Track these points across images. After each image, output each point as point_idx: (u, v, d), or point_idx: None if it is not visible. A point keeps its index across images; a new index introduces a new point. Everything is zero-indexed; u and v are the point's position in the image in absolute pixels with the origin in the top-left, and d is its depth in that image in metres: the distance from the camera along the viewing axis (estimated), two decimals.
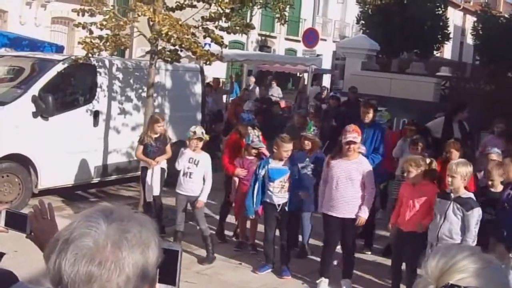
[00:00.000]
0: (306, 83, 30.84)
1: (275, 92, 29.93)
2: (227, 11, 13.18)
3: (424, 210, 8.88)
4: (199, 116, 16.61)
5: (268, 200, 9.97)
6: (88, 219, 1.81)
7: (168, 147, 12.21)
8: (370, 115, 11.61)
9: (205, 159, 10.58)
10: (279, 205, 9.89)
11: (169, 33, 12.11)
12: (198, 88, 16.72)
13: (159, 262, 1.94)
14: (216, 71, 28.16)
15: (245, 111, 14.70)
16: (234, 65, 35.09)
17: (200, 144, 10.52)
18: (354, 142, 9.16)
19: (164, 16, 12.16)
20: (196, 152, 10.49)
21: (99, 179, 14.27)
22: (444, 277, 1.74)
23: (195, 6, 13.25)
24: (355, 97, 19.06)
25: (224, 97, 25.29)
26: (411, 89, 20.55)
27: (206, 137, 10.90)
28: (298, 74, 40.47)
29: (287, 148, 9.81)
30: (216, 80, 24.00)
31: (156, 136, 11.99)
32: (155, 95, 14.34)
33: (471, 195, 8.32)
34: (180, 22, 12.32)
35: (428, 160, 9.38)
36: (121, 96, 14.53)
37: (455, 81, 24.89)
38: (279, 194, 9.89)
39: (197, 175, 10.48)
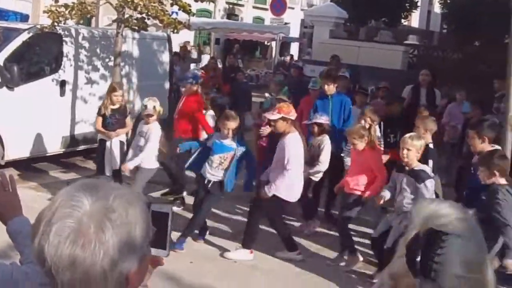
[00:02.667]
0: (274, 51, 30.80)
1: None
2: None
3: (368, 174, 9.26)
4: (166, 85, 16.51)
5: (201, 173, 9.91)
6: (71, 198, 1.75)
7: (128, 119, 11.87)
8: (331, 86, 11.60)
9: (152, 129, 10.40)
10: (209, 181, 9.79)
11: (136, 1, 11.98)
12: (165, 57, 16.60)
13: (150, 237, 1.90)
14: (184, 39, 27.97)
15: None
16: (202, 34, 34.89)
17: (152, 119, 10.39)
18: (275, 120, 9.26)
19: None
20: (147, 124, 10.42)
21: (66, 149, 14.13)
22: (428, 222, 1.79)
23: None
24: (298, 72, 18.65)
25: (192, 66, 25.14)
26: (379, 57, 20.58)
27: (159, 110, 10.70)
28: (265, 43, 40.37)
29: (229, 126, 9.62)
30: (183, 48, 23.83)
31: (114, 107, 11.66)
32: (122, 64, 14.22)
33: (424, 167, 8.42)
34: None
35: (367, 126, 9.73)
36: (87, 66, 14.37)
37: (422, 49, 24.96)
38: (215, 170, 9.77)
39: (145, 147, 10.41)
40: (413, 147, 8.25)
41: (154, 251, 2.16)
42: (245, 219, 10.65)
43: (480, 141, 8.63)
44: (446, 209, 1.83)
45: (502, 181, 7.51)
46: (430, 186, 8.21)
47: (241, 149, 9.70)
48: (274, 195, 9.20)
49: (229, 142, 9.69)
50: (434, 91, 14.72)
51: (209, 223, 10.57)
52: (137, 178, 10.50)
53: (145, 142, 10.34)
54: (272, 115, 9.29)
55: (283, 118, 9.21)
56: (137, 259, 1.80)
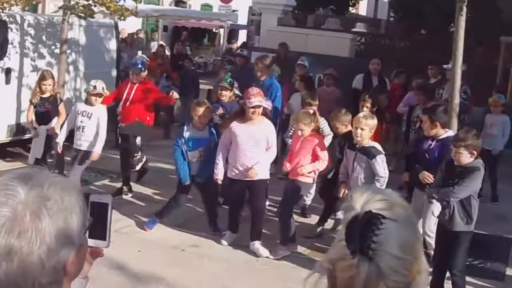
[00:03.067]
0: (221, 38, 30.73)
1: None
2: None
3: (312, 159, 9.38)
4: (114, 72, 16.37)
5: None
6: (5, 187, 1.72)
7: (61, 107, 11.64)
8: (263, 72, 11.97)
9: (99, 111, 10.38)
10: (197, 176, 9.94)
11: None
12: (112, 44, 16.45)
13: (87, 226, 1.89)
14: (132, 26, 27.72)
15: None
16: (150, 21, 34.63)
17: (100, 99, 10.38)
18: (259, 106, 9.19)
19: None
20: (91, 105, 10.35)
21: (12, 138, 13.93)
22: (367, 205, 1.83)
23: None
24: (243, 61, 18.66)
25: (140, 52, 24.93)
26: (327, 45, 20.61)
27: (106, 92, 10.67)
28: (214, 30, 40.24)
29: (198, 112, 9.76)
30: (131, 35, 23.63)
31: (44, 96, 11.50)
32: (68, 51, 14.06)
33: (374, 144, 8.71)
34: None
35: (311, 111, 9.85)
36: (33, 53, 14.15)
37: (370, 37, 25.13)
38: (195, 164, 9.91)
39: (89, 128, 10.34)
40: (366, 126, 8.50)
41: (93, 242, 2.15)
42: (193, 206, 10.72)
43: (433, 125, 8.82)
44: (384, 195, 1.87)
45: (443, 132, 7.75)
46: (381, 161, 8.50)
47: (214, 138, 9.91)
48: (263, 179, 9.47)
49: (205, 133, 9.87)
50: (385, 79, 14.89)
51: (155, 209, 10.59)
52: (81, 161, 10.40)
53: (96, 127, 10.28)
54: (263, 102, 9.30)
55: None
56: (75, 248, 1.78)
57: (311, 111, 9.90)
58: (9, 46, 13.59)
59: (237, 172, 9.38)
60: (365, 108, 10.78)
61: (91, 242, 2.11)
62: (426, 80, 14.67)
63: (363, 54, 22.17)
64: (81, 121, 10.34)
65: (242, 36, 41.13)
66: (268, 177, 9.65)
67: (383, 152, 8.69)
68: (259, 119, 9.30)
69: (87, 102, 10.47)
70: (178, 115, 16.90)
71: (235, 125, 9.33)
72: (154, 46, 26.30)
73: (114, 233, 9.31)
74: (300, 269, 8.66)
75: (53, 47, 14.33)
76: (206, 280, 8.41)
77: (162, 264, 8.72)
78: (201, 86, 18.08)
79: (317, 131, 9.68)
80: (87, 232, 1.98)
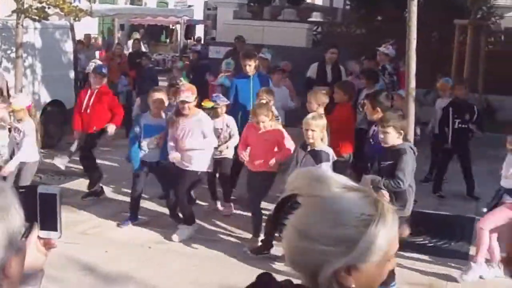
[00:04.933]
0: (179, 34, 30.67)
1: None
2: None
3: (271, 152, 9.42)
4: (71, 74, 16.27)
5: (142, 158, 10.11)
6: None
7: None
8: (252, 66, 11.64)
9: (26, 125, 10.08)
10: (150, 163, 10.11)
11: None
12: (69, 46, 16.34)
13: (25, 231, 1.90)
14: (88, 27, 27.56)
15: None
16: (105, 20, 34.44)
17: (25, 115, 10.08)
18: (188, 102, 9.40)
19: None
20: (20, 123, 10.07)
21: None
22: (292, 188, 1.89)
23: None
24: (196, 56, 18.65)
25: (97, 53, 24.83)
26: (283, 36, 20.69)
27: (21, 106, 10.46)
28: (171, 26, 40.13)
29: (156, 96, 10.02)
30: (87, 36, 23.50)
31: None
32: (25, 55, 13.97)
33: (327, 149, 8.55)
34: None
35: (264, 101, 10.01)
36: None
37: (327, 26, 25.20)
38: (153, 151, 10.05)
39: (23, 142, 10.06)
40: (317, 127, 8.39)
41: (45, 234, 2.17)
42: (158, 205, 10.77)
43: (374, 111, 9.00)
44: (318, 179, 1.89)
45: (400, 140, 7.83)
46: (326, 168, 8.28)
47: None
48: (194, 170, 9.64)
49: (161, 120, 10.02)
50: (340, 68, 14.95)
51: (120, 209, 10.60)
52: (26, 175, 10.29)
53: (21, 138, 10.14)
54: (190, 97, 9.48)
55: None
56: (13, 250, 1.79)
57: (264, 101, 10.00)
58: None
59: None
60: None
61: (43, 233, 2.13)
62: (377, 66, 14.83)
63: (320, 43, 22.26)
64: (15, 138, 10.11)
65: (200, 31, 41.08)
66: (203, 170, 9.77)
67: (333, 159, 8.64)
68: (193, 113, 9.54)
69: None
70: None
71: (175, 120, 9.65)
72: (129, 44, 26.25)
73: (80, 234, 9.37)
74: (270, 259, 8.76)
75: (8, 52, 14.24)
76: (176, 277, 8.42)
77: (130, 263, 8.72)
78: (160, 83, 18.04)
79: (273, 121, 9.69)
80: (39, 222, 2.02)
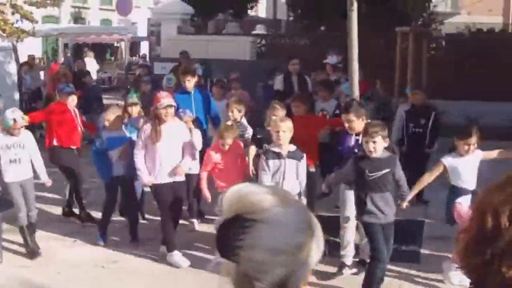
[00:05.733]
0: (124, 52, 30.60)
1: (88, 64, 29.52)
2: None
3: (239, 166, 9.56)
4: (16, 95, 16.16)
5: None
6: None
7: None
8: (192, 82, 11.65)
9: (27, 138, 9.97)
10: (117, 177, 10.12)
11: None
12: (12, 67, 16.20)
13: None
14: (31, 47, 27.34)
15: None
16: (49, 40, 34.20)
17: (22, 129, 9.97)
18: (171, 106, 9.31)
19: None
20: (16, 136, 9.81)
21: None
22: (234, 208, 1.85)
23: None
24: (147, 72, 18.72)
25: (42, 73, 24.64)
26: (228, 49, 20.78)
27: (26, 118, 10.42)
28: (115, 44, 39.98)
29: (108, 117, 10.07)
30: (31, 56, 23.30)
31: None
32: None
33: (294, 146, 8.63)
34: None
35: (230, 123, 9.96)
36: None
37: (270, 38, 25.40)
38: (117, 163, 10.05)
39: (25, 157, 9.98)
40: (287, 129, 8.40)
41: None
42: (111, 221, 10.70)
43: (359, 120, 8.87)
44: (256, 196, 1.87)
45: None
46: (305, 162, 8.58)
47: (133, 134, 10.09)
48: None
49: (122, 132, 10.09)
50: (305, 78, 15.11)
51: (72, 229, 10.54)
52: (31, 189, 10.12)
53: (27, 153, 9.97)
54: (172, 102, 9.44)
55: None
56: None
57: (229, 123, 9.96)
58: None
59: (163, 175, 9.43)
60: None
61: None
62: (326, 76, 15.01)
63: (265, 55, 22.44)
64: (16, 154, 9.75)
65: (144, 47, 40.99)
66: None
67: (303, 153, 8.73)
68: (171, 120, 9.39)
69: (11, 134, 9.79)
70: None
71: (148, 128, 9.34)
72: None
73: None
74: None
75: None
76: None
77: (83, 284, 8.67)
78: (106, 101, 18.01)
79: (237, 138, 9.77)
80: None
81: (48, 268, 9.09)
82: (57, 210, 11.69)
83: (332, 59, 14.69)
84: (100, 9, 46.12)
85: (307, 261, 1.90)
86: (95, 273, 9.07)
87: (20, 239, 9.86)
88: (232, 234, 1.81)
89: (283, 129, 8.37)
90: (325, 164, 10.63)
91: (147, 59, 32.90)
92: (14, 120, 9.62)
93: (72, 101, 11.44)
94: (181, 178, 9.52)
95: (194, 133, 9.86)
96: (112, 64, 39.97)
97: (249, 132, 10.72)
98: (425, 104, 12.58)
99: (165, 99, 9.30)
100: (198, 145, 9.84)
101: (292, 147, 8.58)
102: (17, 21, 14.80)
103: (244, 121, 10.74)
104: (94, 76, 28.22)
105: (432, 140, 12.16)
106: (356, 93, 9.87)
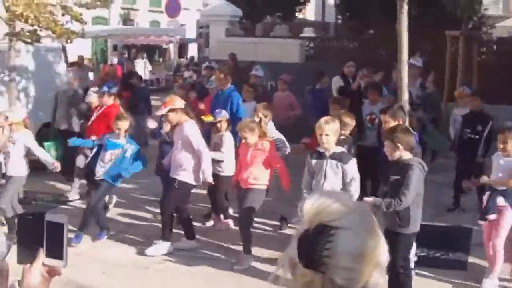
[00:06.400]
0: (172, 53, 30.73)
1: (140, 65, 29.73)
2: None
3: (264, 166, 9.46)
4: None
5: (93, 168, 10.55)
6: None
7: None
8: (223, 82, 11.96)
9: (23, 136, 10.43)
10: (98, 177, 10.40)
11: (24, 13, 11.75)
12: (61, 68, 16.32)
13: (6, 252, 1.90)
14: (81, 48, 27.58)
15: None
16: (98, 41, 34.48)
17: (20, 126, 10.42)
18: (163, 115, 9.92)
19: None
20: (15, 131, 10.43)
21: None
22: (317, 218, 1.84)
23: None
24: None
25: (91, 74, 24.83)
26: (276, 52, 20.75)
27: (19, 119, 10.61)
28: (164, 46, 40.18)
29: (120, 126, 10.32)
30: (80, 57, 23.49)
31: None
32: (18, 78, 13.95)
33: (342, 148, 8.57)
34: (36, 1, 11.96)
35: (257, 119, 9.95)
36: None
37: (319, 41, 25.26)
38: (105, 166, 10.34)
39: (14, 153, 10.34)
40: (330, 131, 8.31)
41: (50, 261, 2.18)
42: (154, 224, 10.76)
43: (395, 123, 8.82)
44: (335, 204, 1.87)
45: (407, 155, 7.65)
46: (354, 163, 8.39)
47: (133, 147, 10.39)
48: (182, 181, 9.71)
49: (120, 140, 10.36)
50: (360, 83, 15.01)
51: (119, 228, 10.57)
52: (9, 188, 10.41)
53: (21, 152, 10.33)
54: (160, 111, 9.82)
55: (170, 110, 9.63)
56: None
57: (257, 119, 10.01)
58: None
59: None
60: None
61: (48, 261, 2.16)
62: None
63: (313, 58, 22.32)
64: (7, 147, 10.38)
65: (193, 49, 41.15)
66: (191, 182, 9.81)
67: (353, 156, 8.63)
68: (179, 124, 9.73)
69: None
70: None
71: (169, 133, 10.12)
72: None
73: (77, 255, 9.31)
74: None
75: (2, 75, 14.19)
76: None
77: (127, 284, 8.69)
78: (154, 103, 18.04)
79: (263, 137, 9.64)
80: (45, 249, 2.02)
81: (92, 268, 9.11)
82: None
83: (419, 61, 14.39)
84: (149, 10, 46.44)
85: (380, 262, 1.90)
86: (140, 274, 9.08)
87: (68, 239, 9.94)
88: (317, 243, 1.81)
89: (326, 132, 8.29)
90: (372, 166, 10.58)
91: (195, 61, 32.97)
92: (6, 118, 10.40)
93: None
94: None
95: (225, 136, 10.39)
96: (160, 65, 40.18)
97: (280, 138, 10.79)
98: (483, 111, 12.29)
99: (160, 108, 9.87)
100: (228, 148, 10.24)
101: (339, 149, 8.49)
102: (67, 22, 14.85)
103: (270, 126, 10.71)
104: (146, 77, 28.53)
105: (487, 149, 11.84)
106: (405, 96, 9.73)
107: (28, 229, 2.22)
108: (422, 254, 9.69)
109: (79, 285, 8.38)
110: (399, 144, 7.52)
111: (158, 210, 10.72)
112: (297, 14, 40.94)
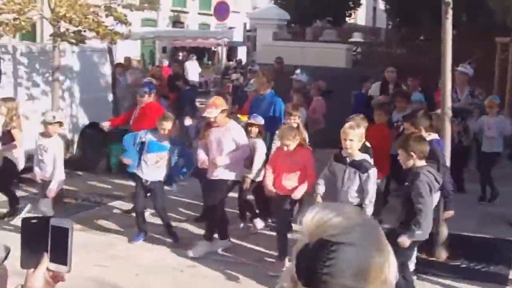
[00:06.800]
0: (220, 56, 30.82)
1: (190, 67, 29.83)
2: None
3: (301, 173, 9.20)
4: (110, 96, 16.30)
5: (137, 173, 10.25)
6: None
7: (15, 132, 11.40)
8: (265, 85, 11.86)
9: (55, 145, 10.35)
10: (146, 180, 10.17)
11: (67, 15, 11.80)
12: (107, 69, 16.40)
13: (3, 257, 1.86)
14: (130, 50, 27.79)
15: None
16: (146, 43, 34.69)
17: (59, 129, 10.47)
18: (209, 117, 9.63)
19: None
20: (46, 137, 10.32)
21: None
22: (318, 232, 1.73)
23: None
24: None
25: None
26: (323, 56, 20.68)
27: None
28: (213, 48, 40.32)
29: (165, 126, 10.03)
30: (127, 58, 23.63)
31: None
32: (62, 78, 14.06)
33: (366, 156, 8.43)
34: (79, 2, 12.01)
35: (295, 125, 9.76)
36: (27, 82, 14.14)
37: (366, 46, 25.15)
38: (151, 168, 10.12)
39: (48, 159, 10.30)
40: (355, 137, 8.20)
41: (54, 267, 2.18)
42: (192, 226, 10.71)
43: (416, 130, 8.74)
44: (337, 217, 1.76)
45: (420, 163, 7.54)
46: (373, 175, 8.22)
47: (177, 148, 10.31)
48: (227, 180, 9.72)
49: (165, 142, 10.13)
50: (401, 86, 14.86)
51: (155, 231, 10.55)
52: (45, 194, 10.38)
53: (53, 161, 10.27)
54: (211, 112, 9.57)
55: (222, 111, 9.61)
56: None
57: (295, 125, 9.85)
58: (2, 76, 13.57)
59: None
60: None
61: (52, 266, 2.17)
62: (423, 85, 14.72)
63: (360, 63, 22.21)
64: (40, 155, 10.35)
65: (242, 53, 41.23)
66: (232, 178, 9.79)
67: (373, 167, 8.47)
68: (223, 123, 9.67)
69: (45, 133, 10.42)
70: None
71: (207, 131, 9.85)
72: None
73: (110, 257, 9.31)
74: None
75: (47, 75, 14.30)
76: None
77: (161, 287, 8.65)
78: (201, 105, 18.09)
79: (303, 144, 9.49)
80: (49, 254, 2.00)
81: (126, 270, 9.09)
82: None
83: (469, 70, 14.13)
84: (199, 13, 46.63)
85: (388, 280, 1.78)
86: (174, 277, 9.04)
87: (100, 241, 9.98)
88: (317, 260, 1.70)
89: (350, 137, 8.18)
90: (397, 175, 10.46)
91: (243, 64, 32.99)
92: (53, 117, 10.33)
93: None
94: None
95: (258, 143, 10.31)
96: (209, 68, 40.32)
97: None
98: None
99: (206, 109, 9.78)
100: (260, 154, 10.19)
101: (361, 156, 8.35)
102: (116, 24, 14.87)
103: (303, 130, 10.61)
104: (196, 79, 28.67)
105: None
106: (449, 103, 9.52)
107: (33, 233, 2.20)
108: (463, 265, 9.52)
109: (112, 286, 8.36)
110: (412, 153, 7.50)
111: (192, 213, 10.76)
112: (347, 19, 40.81)
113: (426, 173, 7.45)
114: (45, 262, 2.16)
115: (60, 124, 10.55)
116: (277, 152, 9.69)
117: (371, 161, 8.54)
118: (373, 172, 8.23)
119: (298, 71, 15.74)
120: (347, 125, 8.39)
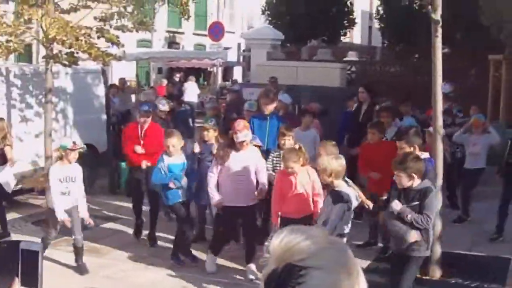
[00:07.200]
0: (216, 76, 30.88)
1: (189, 88, 29.93)
2: (122, 9, 12.93)
3: (310, 193, 9.10)
4: (104, 117, 16.30)
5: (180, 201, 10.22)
6: None
7: (7, 150, 11.58)
8: (269, 107, 11.57)
9: (78, 170, 9.98)
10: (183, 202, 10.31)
11: (57, 37, 11.77)
12: (100, 90, 16.39)
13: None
14: (124, 70, 27.79)
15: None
16: (141, 64, 34.66)
17: (77, 155, 9.92)
18: (245, 140, 9.55)
19: (53, 19, 11.81)
20: (67, 166, 9.80)
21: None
22: (285, 256, 1.70)
23: (89, 7, 12.92)
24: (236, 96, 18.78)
25: (133, 96, 24.93)
26: (317, 75, 20.66)
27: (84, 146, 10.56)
28: (209, 69, 40.36)
29: (167, 143, 10.00)
30: (122, 80, 23.63)
31: None
32: (56, 100, 14.03)
33: (347, 190, 8.18)
34: (71, 24, 11.99)
35: (297, 146, 9.48)
36: (20, 103, 14.13)
37: (361, 65, 25.20)
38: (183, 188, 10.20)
39: (76, 190, 9.89)
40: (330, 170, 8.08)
41: None
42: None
43: (411, 149, 8.71)
44: (305, 241, 1.72)
45: (418, 182, 7.56)
46: (339, 210, 7.98)
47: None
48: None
49: (179, 158, 10.14)
50: (374, 106, 14.66)
51: (148, 253, 10.51)
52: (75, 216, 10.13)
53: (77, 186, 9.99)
54: (244, 135, 9.52)
55: None
56: None
57: (297, 146, 9.59)
58: None
59: (232, 198, 9.63)
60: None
61: None
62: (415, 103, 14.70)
63: (354, 82, 22.23)
64: (66, 187, 9.77)
65: (238, 73, 41.29)
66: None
67: (357, 200, 8.33)
68: (247, 147, 9.64)
69: (65, 160, 9.81)
70: None
71: (227, 154, 9.62)
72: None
73: (103, 278, 9.26)
74: None
75: (40, 97, 14.27)
76: None
77: None
78: (197, 125, 18.11)
79: (305, 164, 9.26)
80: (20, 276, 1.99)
81: None
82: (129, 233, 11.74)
83: (445, 87, 14.07)
84: (194, 34, 46.70)
85: None
86: None
87: (94, 261, 9.93)
88: (286, 285, 1.66)
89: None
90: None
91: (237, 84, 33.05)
92: (74, 142, 10.00)
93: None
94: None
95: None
96: (205, 88, 40.35)
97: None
98: None
99: (241, 132, 9.47)
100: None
101: (341, 187, 8.14)
102: (113, 44, 14.77)
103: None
104: (195, 100, 28.69)
105: None
106: (440, 121, 9.52)
107: (3, 257, 2.18)
108: (457, 283, 9.49)
109: None
110: (413, 174, 7.49)
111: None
112: (343, 38, 40.92)
113: (433, 188, 7.60)
114: (16, 285, 2.15)
115: (81, 149, 10.25)
116: (281, 177, 9.40)
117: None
118: (339, 206, 8.01)
119: (281, 91, 15.61)
120: (324, 158, 8.32)
